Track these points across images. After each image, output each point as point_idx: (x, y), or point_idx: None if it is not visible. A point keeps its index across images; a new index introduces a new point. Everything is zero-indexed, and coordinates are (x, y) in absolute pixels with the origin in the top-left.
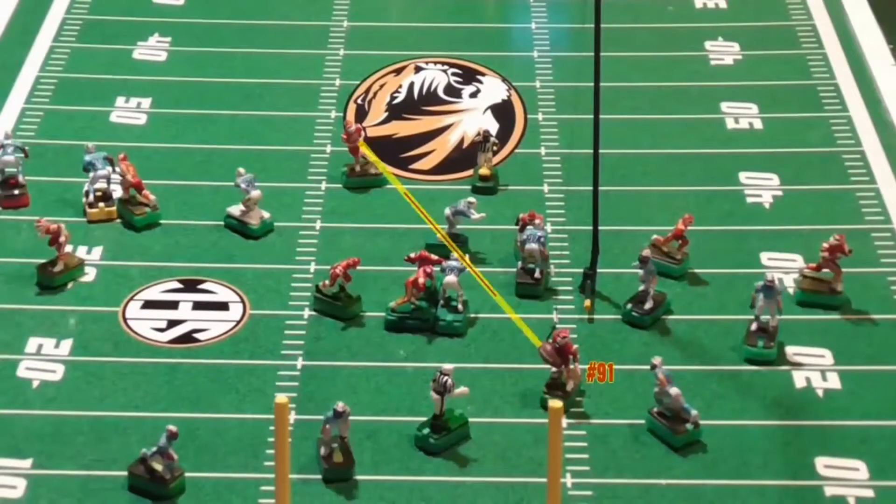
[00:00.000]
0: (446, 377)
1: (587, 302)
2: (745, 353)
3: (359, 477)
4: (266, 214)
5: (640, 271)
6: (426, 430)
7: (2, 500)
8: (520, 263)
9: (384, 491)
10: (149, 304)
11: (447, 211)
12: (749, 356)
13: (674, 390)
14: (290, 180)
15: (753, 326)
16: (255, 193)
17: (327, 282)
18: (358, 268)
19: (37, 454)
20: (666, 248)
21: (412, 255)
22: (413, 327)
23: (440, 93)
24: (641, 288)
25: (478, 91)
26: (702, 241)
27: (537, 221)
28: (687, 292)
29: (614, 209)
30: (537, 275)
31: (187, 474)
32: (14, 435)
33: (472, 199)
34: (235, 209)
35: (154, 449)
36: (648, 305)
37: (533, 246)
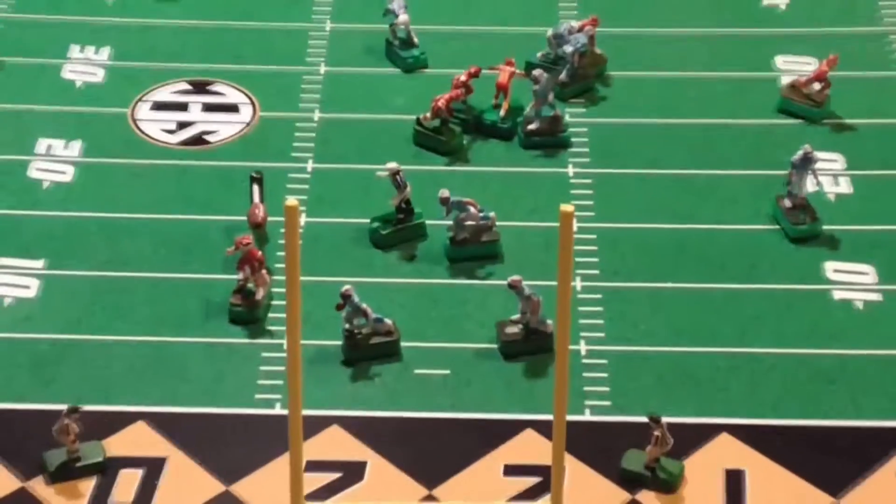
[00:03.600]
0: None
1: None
2: (791, 233)
3: (371, 279)
4: None
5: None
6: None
7: (16, 300)
8: None
9: (393, 294)
10: (158, 106)
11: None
12: (796, 234)
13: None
14: None
15: (788, 203)
16: None
17: (428, 115)
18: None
19: (49, 254)
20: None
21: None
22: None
23: None
24: None
25: None
26: (717, 45)
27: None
28: (702, 95)
29: (626, 8)
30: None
31: (197, 276)
32: (26, 235)
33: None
34: None
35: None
36: None
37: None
